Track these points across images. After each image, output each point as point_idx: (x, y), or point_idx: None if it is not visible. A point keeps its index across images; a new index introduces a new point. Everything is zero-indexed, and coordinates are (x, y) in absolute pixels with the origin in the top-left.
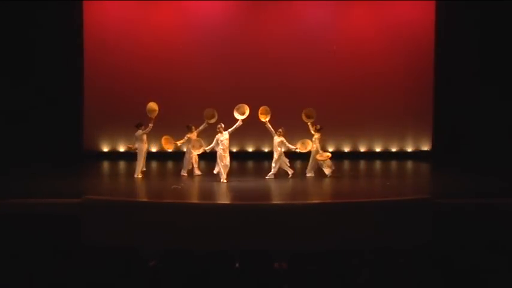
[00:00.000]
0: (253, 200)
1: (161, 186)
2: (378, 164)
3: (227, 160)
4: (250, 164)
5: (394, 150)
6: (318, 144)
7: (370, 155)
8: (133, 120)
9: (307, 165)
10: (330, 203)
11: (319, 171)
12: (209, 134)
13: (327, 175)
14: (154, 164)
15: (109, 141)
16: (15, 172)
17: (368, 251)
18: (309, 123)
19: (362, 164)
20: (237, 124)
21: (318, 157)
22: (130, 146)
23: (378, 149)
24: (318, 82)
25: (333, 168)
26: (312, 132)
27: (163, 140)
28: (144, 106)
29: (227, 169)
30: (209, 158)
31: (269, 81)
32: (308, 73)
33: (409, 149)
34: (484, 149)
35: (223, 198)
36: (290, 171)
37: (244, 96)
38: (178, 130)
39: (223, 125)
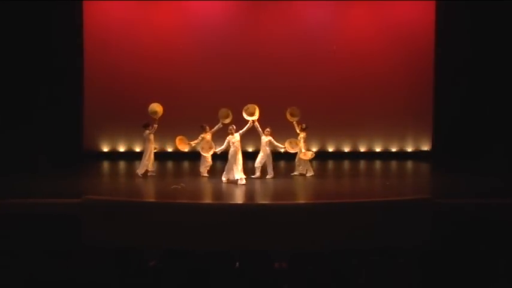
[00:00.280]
0: (254, 200)
1: (161, 186)
2: (377, 164)
3: (240, 162)
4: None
5: (394, 150)
6: (302, 144)
7: (370, 155)
8: (133, 120)
9: (290, 165)
10: (330, 203)
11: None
12: (220, 134)
13: (295, 174)
14: (163, 164)
15: (109, 141)
16: (15, 172)
17: (368, 251)
18: (294, 122)
19: (362, 164)
20: (248, 125)
21: (302, 156)
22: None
23: (378, 149)
24: (318, 82)
25: (311, 172)
26: (298, 131)
27: (177, 141)
28: (144, 106)
29: (241, 168)
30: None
31: (269, 81)
32: (308, 73)
33: (409, 149)
34: (484, 149)
35: (224, 198)
36: (271, 174)
37: (244, 96)
38: (179, 130)
39: (234, 127)
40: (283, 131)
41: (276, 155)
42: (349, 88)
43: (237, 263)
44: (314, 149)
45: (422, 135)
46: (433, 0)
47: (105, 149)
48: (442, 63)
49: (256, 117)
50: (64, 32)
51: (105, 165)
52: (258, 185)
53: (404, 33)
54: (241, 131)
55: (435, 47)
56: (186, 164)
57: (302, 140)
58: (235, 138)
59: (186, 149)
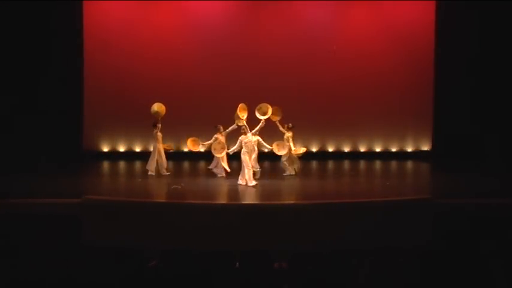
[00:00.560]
0: (254, 200)
1: (161, 186)
2: (377, 164)
3: (253, 162)
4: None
5: (394, 150)
6: (291, 143)
7: (370, 155)
8: (133, 120)
9: (274, 166)
10: (330, 203)
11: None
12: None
13: (287, 174)
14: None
15: (109, 141)
16: (15, 172)
17: (368, 251)
18: (276, 122)
19: (362, 164)
20: (260, 125)
21: (294, 152)
22: (165, 146)
23: (378, 149)
24: (317, 82)
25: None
26: (283, 131)
27: (190, 142)
28: (144, 106)
29: (251, 171)
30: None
31: (269, 81)
32: (308, 73)
33: (409, 149)
34: (484, 149)
35: (224, 198)
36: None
37: (244, 96)
38: (179, 130)
39: (221, 127)
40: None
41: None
42: (349, 88)
43: (237, 263)
44: (314, 149)
45: (422, 135)
46: (433, 0)
47: (105, 149)
48: (442, 63)
49: (268, 116)
50: (64, 32)
51: (105, 165)
52: (257, 185)
53: (404, 33)
54: (253, 131)
55: (435, 47)
56: (186, 164)
57: (290, 140)
58: (247, 138)
59: (202, 150)
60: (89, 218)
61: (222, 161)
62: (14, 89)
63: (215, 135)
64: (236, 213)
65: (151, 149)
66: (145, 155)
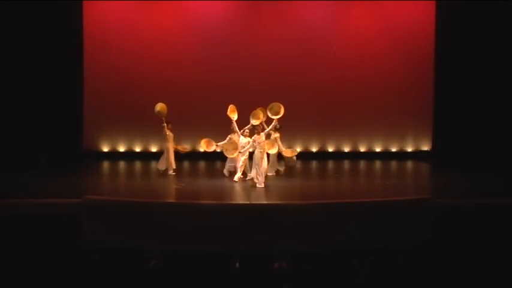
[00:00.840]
0: (254, 200)
1: (161, 186)
2: (377, 164)
3: (265, 163)
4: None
5: (394, 150)
6: (279, 143)
7: (370, 155)
8: (133, 120)
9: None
10: (330, 203)
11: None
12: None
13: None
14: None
15: (109, 141)
16: (15, 172)
17: (368, 251)
18: (262, 122)
19: (362, 164)
20: (273, 124)
21: (285, 153)
22: (178, 147)
23: (378, 149)
24: (317, 82)
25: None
26: (270, 131)
27: (203, 143)
28: (144, 106)
29: (265, 172)
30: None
31: (269, 81)
32: (308, 73)
33: (409, 149)
34: (484, 149)
35: (224, 198)
36: (240, 176)
37: (244, 96)
38: (179, 130)
39: (237, 127)
40: (283, 131)
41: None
42: (349, 88)
43: (237, 263)
44: (314, 149)
45: (422, 135)
46: (433, 0)
47: (105, 149)
48: (442, 63)
49: (280, 115)
50: (64, 33)
51: (105, 165)
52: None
53: (404, 33)
54: (266, 131)
55: (435, 47)
56: (186, 164)
57: (278, 140)
58: (261, 138)
59: (218, 150)
60: (89, 218)
61: (236, 161)
62: (14, 89)
63: (229, 136)
64: (236, 213)
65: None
66: (145, 155)
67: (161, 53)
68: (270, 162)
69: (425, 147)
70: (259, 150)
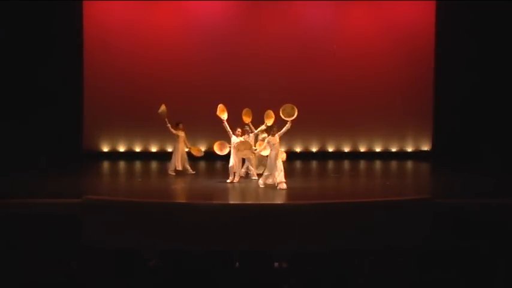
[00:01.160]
0: (254, 200)
1: (161, 186)
2: (377, 164)
3: (280, 164)
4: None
5: (394, 150)
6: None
7: (370, 155)
8: (133, 120)
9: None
10: (330, 203)
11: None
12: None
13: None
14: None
15: (109, 141)
16: (15, 172)
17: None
18: (249, 123)
19: (362, 164)
20: (287, 126)
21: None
22: (192, 149)
23: (378, 149)
24: (317, 82)
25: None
26: (257, 133)
27: (217, 146)
28: (144, 106)
29: (283, 173)
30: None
31: (269, 81)
32: (308, 73)
33: (409, 149)
34: (484, 149)
35: (224, 198)
36: (233, 177)
37: (245, 96)
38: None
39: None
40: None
41: None
42: (349, 88)
43: (237, 263)
44: (314, 149)
45: (422, 135)
46: (433, 0)
47: (105, 149)
48: (442, 63)
49: (294, 117)
50: (64, 32)
51: (105, 165)
52: (257, 185)
53: (404, 33)
54: (280, 132)
55: (435, 47)
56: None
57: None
58: (275, 139)
59: (225, 152)
60: (89, 218)
61: (250, 162)
62: (14, 89)
63: (244, 137)
64: (236, 213)
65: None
66: (145, 155)
67: (161, 53)
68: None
69: (425, 147)
70: (273, 152)
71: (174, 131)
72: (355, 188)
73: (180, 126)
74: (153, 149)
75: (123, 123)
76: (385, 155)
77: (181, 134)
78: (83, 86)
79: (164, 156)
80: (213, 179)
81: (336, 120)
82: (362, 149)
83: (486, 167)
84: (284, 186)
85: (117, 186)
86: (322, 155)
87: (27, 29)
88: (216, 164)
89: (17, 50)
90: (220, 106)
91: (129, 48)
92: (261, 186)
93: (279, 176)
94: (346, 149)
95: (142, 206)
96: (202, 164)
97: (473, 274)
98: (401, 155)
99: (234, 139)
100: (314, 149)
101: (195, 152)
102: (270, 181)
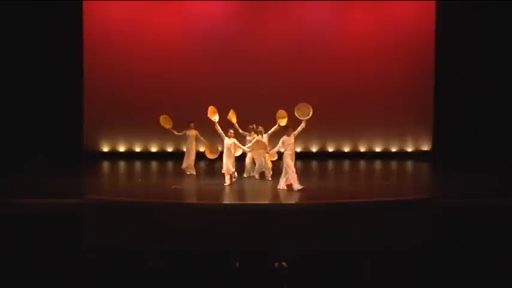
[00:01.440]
0: (254, 200)
1: (161, 186)
2: (377, 164)
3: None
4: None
5: (394, 150)
6: (239, 145)
7: (370, 155)
8: (133, 120)
9: (275, 166)
10: (330, 203)
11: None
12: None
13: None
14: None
15: (109, 141)
16: (15, 172)
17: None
18: (235, 124)
19: (362, 164)
20: (302, 125)
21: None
22: (209, 153)
23: (378, 149)
24: (317, 82)
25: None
26: (253, 134)
27: (207, 149)
28: (144, 106)
29: (295, 175)
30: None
31: (269, 80)
32: (308, 73)
33: (409, 149)
34: (484, 149)
35: (224, 198)
36: (232, 178)
37: (245, 96)
38: (179, 130)
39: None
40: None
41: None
42: (349, 88)
43: (237, 263)
44: (314, 149)
45: (422, 135)
46: (433, 0)
47: (105, 149)
48: (442, 64)
49: (309, 116)
50: (64, 32)
51: (105, 165)
52: (257, 185)
53: (404, 33)
54: (295, 132)
55: (435, 47)
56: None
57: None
58: (290, 139)
59: (216, 155)
60: (89, 218)
61: (265, 163)
62: (14, 89)
63: (248, 138)
64: (236, 213)
65: (152, 149)
66: (145, 155)
67: (161, 52)
68: (258, 165)
69: (425, 147)
70: (288, 152)
71: (177, 133)
72: (355, 188)
73: (191, 125)
74: (153, 149)
75: (123, 123)
76: (385, 155)
77: (192, 133)
78: (83, 86)
79: (164, 156)
80: (213, 179)
81: (336, 120)
82: (362, 149)
83: (486, 167)
84: (299, 186)
85: (117, 186)
86: (322, 155)
87: (27, 29)
88: (216, 164)
89: (17, 49)
90: (211, 108)
91: (129, 48)
92: (280, 188)
93: (293, 177)
94: (346, 149)
95: (142, 206)
96: (202, 164)
97: (473, 274)
98: (401, 155)
99: (227, 141)
100: (314, 149)
101: (208, 154)
102: (288, 183)
